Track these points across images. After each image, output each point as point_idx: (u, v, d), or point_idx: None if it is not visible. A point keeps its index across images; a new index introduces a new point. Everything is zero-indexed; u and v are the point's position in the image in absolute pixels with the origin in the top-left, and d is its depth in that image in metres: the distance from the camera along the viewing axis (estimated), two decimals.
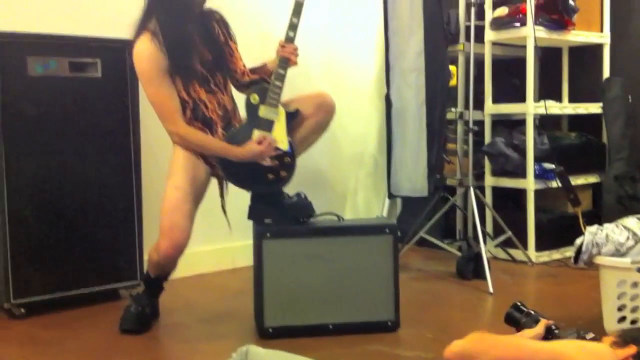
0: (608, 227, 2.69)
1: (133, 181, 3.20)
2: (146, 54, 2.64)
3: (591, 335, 1.56)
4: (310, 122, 2.83)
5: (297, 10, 2.76)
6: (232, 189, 2.94)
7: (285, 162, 2.77)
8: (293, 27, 2.77)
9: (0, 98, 2.87)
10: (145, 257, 2.95)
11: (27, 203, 2.96)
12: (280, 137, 2.75)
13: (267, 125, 2.74)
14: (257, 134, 2.73)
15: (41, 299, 3.00)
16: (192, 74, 2.69)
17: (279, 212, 2.80)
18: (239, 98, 2.91)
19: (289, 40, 2.77)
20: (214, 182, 2.90)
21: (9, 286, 2.92)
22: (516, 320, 1.82)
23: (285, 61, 2.76)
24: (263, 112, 2.74)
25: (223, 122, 2.78)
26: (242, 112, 2.86)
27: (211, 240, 3.75)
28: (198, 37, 2.75)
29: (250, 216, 2.83)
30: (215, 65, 2.77)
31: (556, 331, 1.67)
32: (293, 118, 2.78)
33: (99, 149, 3.12)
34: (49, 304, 3.03)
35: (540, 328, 1.68)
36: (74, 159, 3.06)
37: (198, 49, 2.74)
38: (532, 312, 1.80)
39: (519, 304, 1.84)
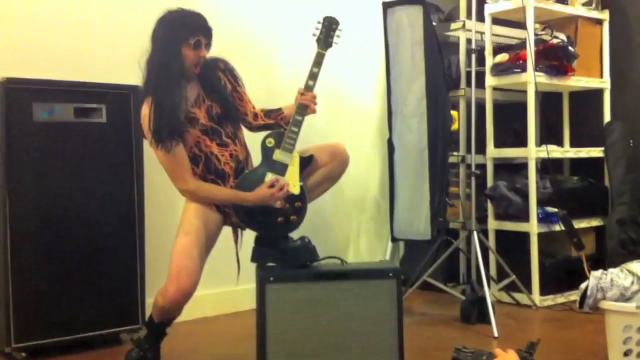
0: (613, 272, 2.69)
1: (136, 226, 3.21)
2: (145, 118, 2.69)
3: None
4: (323, 170, 2.84)
5: (318, 61, 2.82)
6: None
7: (296, 207, 2.77)
8: (313, 76, 2.81)
9: (5, 143, 2.91)
10: (148, 301, 2.93)
11: (30, 247, 2.96)
12: (292, 181, 2.76)
13: (281, 169, 2.76)
14: (269, 176, 2.75)
15: (42, 343, 2.98)
16: (182, 133, 2.69)
17: (283, 255, 2.80)
18: (253, 141, 2.93)
19: (308, 88, 2.80)
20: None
21: (10, 330, 2.90)
22: None
23: (304, 108, 2.78)
24: (278, 155, 2.76)
25: (236, 173, 2.80)
26: (255, 156, 2.88)
27: (214, 283, 3.73)
28: (203, 93, 2.79)
29: (253, 259, 2.82)
30: (224, 117, 2.80)
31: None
32: (307, 164, 2.80)
33: (103, 193, 3.13)
34: (50, 348, 3.01)
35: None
36: (78, 203, 3.07)
37: (205, 105, 2.77)
38: (476, 349, 1.90)
39: (459, 346, 1.96)
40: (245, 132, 2.96)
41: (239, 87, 2.90)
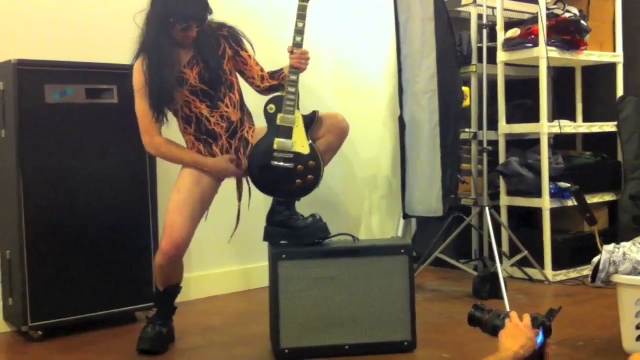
0: (625, 246, 2.68)
1: (149, 205, 3.23)
2: (136, 72, 2.80)
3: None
4: (319, 143, 2.84)
5: (302, 14, 2.81)
6: (248, 211, 2.96)
7: (310, 166, 2.79)
8: (299, 32, 2.81)
9: (18, 125, 2.93)
10: None
11: (45, 228, 2.99)
12: (301, 141, 2.78)
13: (287, 133, 2.77)
14: (277, 142, 2.76)
15: (58, 322, 3.02)
16: (172, 96, 2.79)
17: (294, 233, 2.82)
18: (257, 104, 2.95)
19: (297, 45, 2.82)
20: (223, 213, 2.94)
21: (27, 309, 2.94)
22: (478, 319, 1.93)
23: (296, 68, 2.81)
24: (281, 120, 2.78)
25: (228, 133, 2.84)
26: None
27: (225, 262, 3.77)
28: (198, 56, 2.82)
29: (265, 238, 2.84)
30: (214, 81, 2.83)
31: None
32: (311, 121, 2.82)
33: (116, 174, 3.16)
34: (66, 327, 3.05)
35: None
36: (91, 184, 3.10)
37: (198, 68, 2.81)
38: (493, 310, 1.92)
39: (478, 304, 1.98)
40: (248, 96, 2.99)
41: (242, 52, 2.92)
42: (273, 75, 2.98)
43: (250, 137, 2.88)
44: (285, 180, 2.78)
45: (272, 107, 2.81)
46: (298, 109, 2.79)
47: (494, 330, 1.93)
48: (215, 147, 2.84)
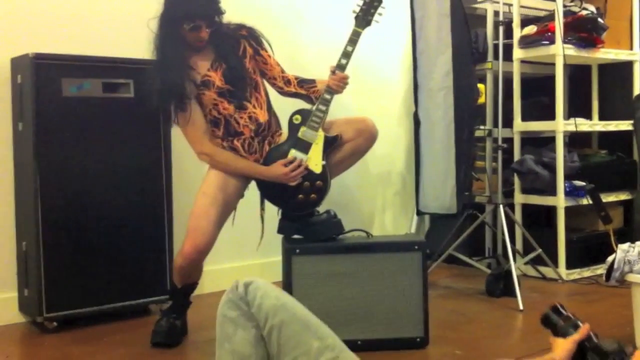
0: None
1: (164, 199, 3.25)
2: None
3: (630, 348, 1.54)
4: (349, 145, 2.82)
5: (353, 39, 2.79)
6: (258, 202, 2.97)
7: (317, 186, 2.78)
8: (346, 55, 2.79)
9: (35, 118, 2.95)
10: None
11: (60, 220, 3.02)
12: (315, 159, 2.77)
13: (304, 147, 2.76)
14: (292, 153, 2.76)
15: (73, 313, 3.05)
16: (185, 98, 2.75)
17: (309, 228, 2.83)
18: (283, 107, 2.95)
19: (340, 67, 2.79)
20: (238, 206, 2.94)
21: (42, 300, 2.97)
22: (553, 323, 1.73)
23: (332, 89, 2.79)
24: (302, 133, 2.77)
25: (256, 135, 2.82)
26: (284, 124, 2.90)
27: (239, 256, 3.78)
28: (219, 58, 2.81)
29: (279, 230, 2.85)
30: (238, 78, 2.81)
31: (595, 341, 1.60)
32: (332, 143, 2.79)
33: (131, 168, 3.17)
34: (81, 318, 3.08)
35: (569, 343, 1.61)
36: (107, 177, 3.12)
37: (222, 69, 2.80)
38: (572, 317, 1.72)
39: (558, 306, 1.75)
40: (275, 99, 2.97)
41: (262, 51, 2.90)
42: (302, 83, 2.93)
43: (277, 141, 2.84)
44: (288, 191, 2.77)
45: (297, 118, 2.79)
46: (323, 128, 2.77)
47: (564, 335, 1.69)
48: (237, 142, 2.82)
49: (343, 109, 3.52)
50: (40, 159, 2.96)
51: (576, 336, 1.61)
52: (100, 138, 3.10)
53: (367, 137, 2.86)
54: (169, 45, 2.75)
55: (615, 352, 1.56)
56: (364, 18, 2.81)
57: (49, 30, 3.24)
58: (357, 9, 2.82)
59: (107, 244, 3.12)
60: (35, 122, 2.95)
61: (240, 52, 2.85)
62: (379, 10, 2.81)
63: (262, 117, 2.84)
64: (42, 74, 2.95)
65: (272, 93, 2.99)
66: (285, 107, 2.94)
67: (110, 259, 3.12)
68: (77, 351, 2.81)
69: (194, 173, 3.15)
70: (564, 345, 1.59)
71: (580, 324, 1.67)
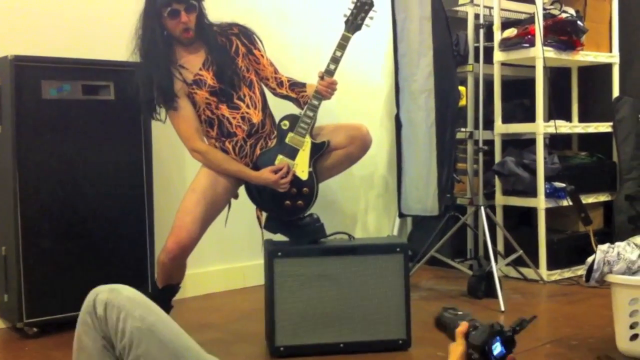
0: (620, 245, 2.69)
1: (145, 201, 3.23)
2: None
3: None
4: (339, 152, 2.81)
5: (342, 44, 2.77)
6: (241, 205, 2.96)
7: (303, 193, 2.77)
8: (334, 60, 2.77)
9: (15, 121, 2.92)
10: None
11: (41, 223, 2.99)
12: (302, 166, 2.76)
13: (291, 153, 2.75)
14: (279, 159, 2.75)
15: (53, 318, 3.02)
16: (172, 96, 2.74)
17: (291, 232, 2.82)
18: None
19: (329, 72, 2.77)
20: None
21: (22, 305, 2.94)
22: (443, 323, 1.76)
23: (320, 94, 2.77)
24: (290, 139, 2.76)
25: (249, 137, 2.80)
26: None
27: (222, 259, 3.77)
28: (211, 56, 2.79)
29: (266, 227, 2.85)
30: (230, 76, 2.79)
31: (472, 332, 1.59)
32: (320, 149, 2.78)
33: (112, 170, 3.15)
34: (62, 323, 3.05)
35: (458, 345, 1.58)
36: (87, 180, 3.09)
37: (214, 67, 2.78)
38: (458, 313, 1.74)
39: (447, 306, 1.79)
40: (272, 99, 2.96)
41: (255, 50, 2.88)
42: (294, 86, 2.91)
43: (270, 144, 2.82)
44: (274, 197, 2.76)
45: (285, 124, 2.78)
46: (310, 134, 2.76)
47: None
48: (229, 144, 2.80)
49: (325, 110, 3.50)
50: (20, 163, 2.94)
51: (459, 330, 1.58)
52: (80, 141, 3.08)
53: (360, 145, 2.84)
54: (154, 42, 2.73)
55: (485, 340, 1.53)
56: (354, 22, 2.79)
57: (29, 33, 3.21)
58: (348, 13, 2.79)
59: (88, 247, 3.09)
60: (14, 125, 2.92)
61: (233, 50, 2.84)
62: (370, 14, 2.79)
63: (256, 117, 2.82)
64: (21, 77, 2.93)
65: (269, 93, 2.98)
66: (283, 107, 2.92)
67: (91, 262, 3.09)
68: (58, 356, 2.79)
69: (175, 173, 3.14)
70: (455, 349, 1.57)
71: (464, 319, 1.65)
